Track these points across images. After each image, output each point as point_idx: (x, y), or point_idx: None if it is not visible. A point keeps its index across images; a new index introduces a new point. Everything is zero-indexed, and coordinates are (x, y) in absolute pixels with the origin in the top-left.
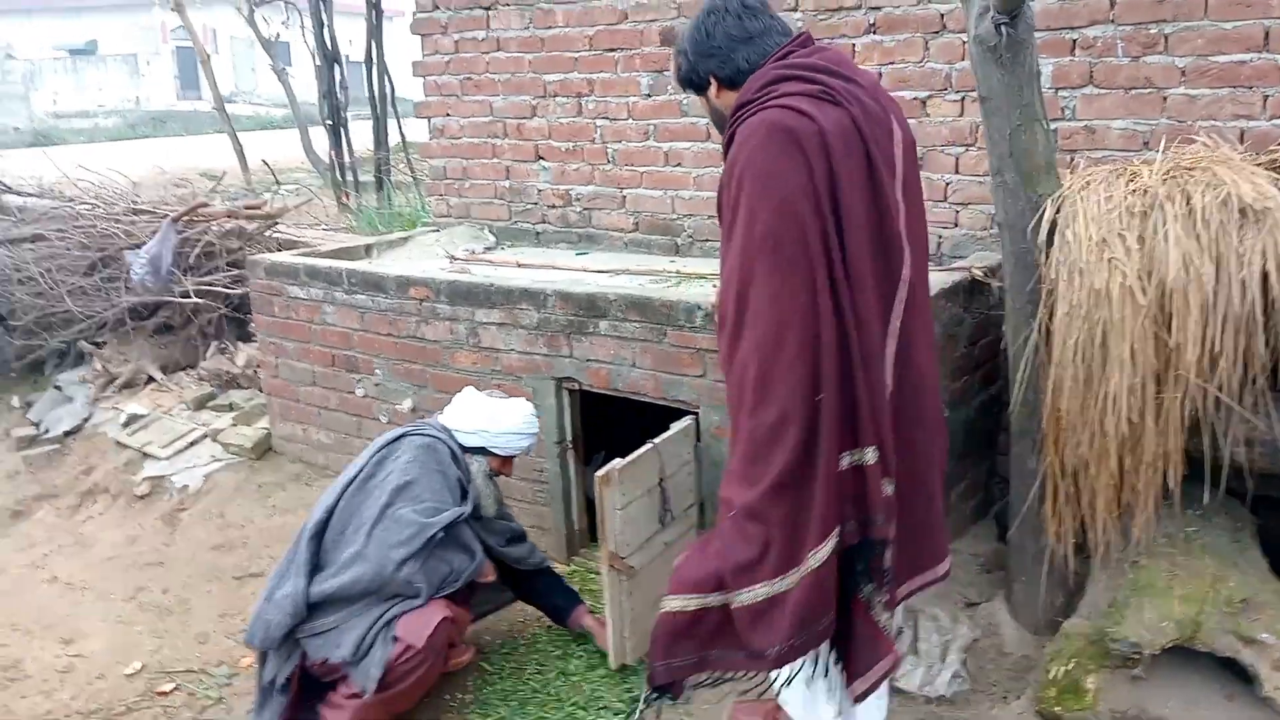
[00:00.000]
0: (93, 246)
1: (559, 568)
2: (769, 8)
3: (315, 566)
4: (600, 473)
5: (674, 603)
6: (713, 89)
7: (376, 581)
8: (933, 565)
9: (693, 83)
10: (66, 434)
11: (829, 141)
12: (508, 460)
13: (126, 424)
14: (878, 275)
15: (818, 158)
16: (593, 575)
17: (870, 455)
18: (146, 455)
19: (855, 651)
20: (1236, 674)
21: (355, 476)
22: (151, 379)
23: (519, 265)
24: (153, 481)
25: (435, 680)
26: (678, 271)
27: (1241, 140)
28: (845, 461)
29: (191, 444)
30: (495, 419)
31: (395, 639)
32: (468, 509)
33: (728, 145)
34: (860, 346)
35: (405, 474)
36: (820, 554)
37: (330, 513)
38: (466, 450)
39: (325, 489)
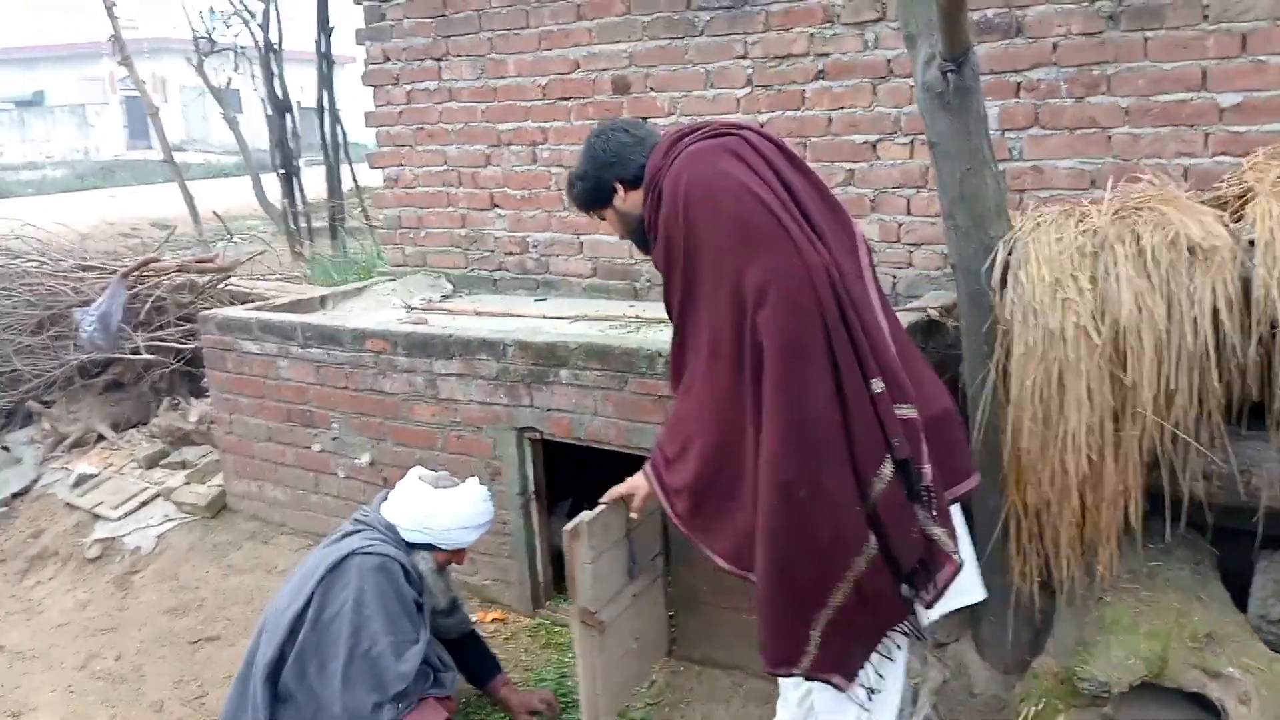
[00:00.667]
0: (40, 304)
1: (523, 621)
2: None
3: (273, 710)
4: (568, 527)
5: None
6: (620, 194)
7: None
8: (965, 479)
9: (598, 199)
10: (14, 496)
11: (745, 143)
12: (458, 551)
13: (76, 484)
14: (835, 231)
15: (744, 151)
16: (558, 629)
17: (877, 385)
18: (97, 516)
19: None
20: (1204, 708)
21: (304, 609)
22: (102, 437)
23: (477, 313)
24: (104, 544)
25: None
26: (637, 316)
27: (1185, 177)
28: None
29: (144, 504)
30: (437, 515)
31: None
32: (428, 633)
33: (655, 208)
34: (848, 290)
35: (361, 609)
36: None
37: (282, 651)
38: (411, 546)
39: (264, 613)
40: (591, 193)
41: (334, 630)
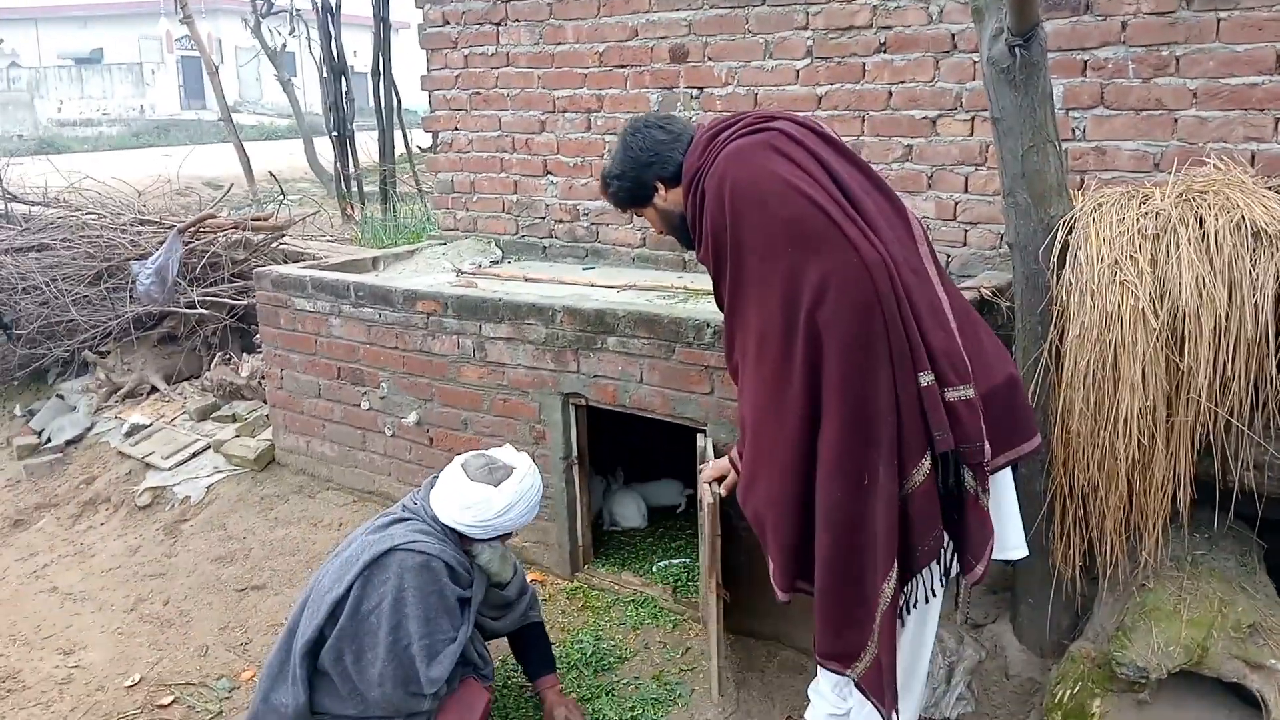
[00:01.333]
0: (98, 256)
1: (561, 584)
2: (674, 115)
3: (312, 685)
4: (708, 498)
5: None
6: (660, 192)
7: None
8: (1025, 441)
9: (638, 197)
10: (68, 443)
11: (785, 136)
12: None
13: (129, 434)
14: (887, 216)
15: (785, 146)
16: (596, 592)
17: (925, 378)
18: (148, 465)
19: (970, 539)
20: (1243, 699)
21: (344, 596)
22: (155, 389)
23: (526, 279)
24: (154, 492)
25: None
26: (685, 287)
27: (1253, 163)
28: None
29: (194, 455)
30: (509, 512)
31: None
32: (469, 628)
33: (699, 209)
34: (903, 280)
35: (400, 608)
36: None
37: (321, 631)
38: (479, 540)
39: (305, 589)
40: (631, 191)
41: (370, 624)
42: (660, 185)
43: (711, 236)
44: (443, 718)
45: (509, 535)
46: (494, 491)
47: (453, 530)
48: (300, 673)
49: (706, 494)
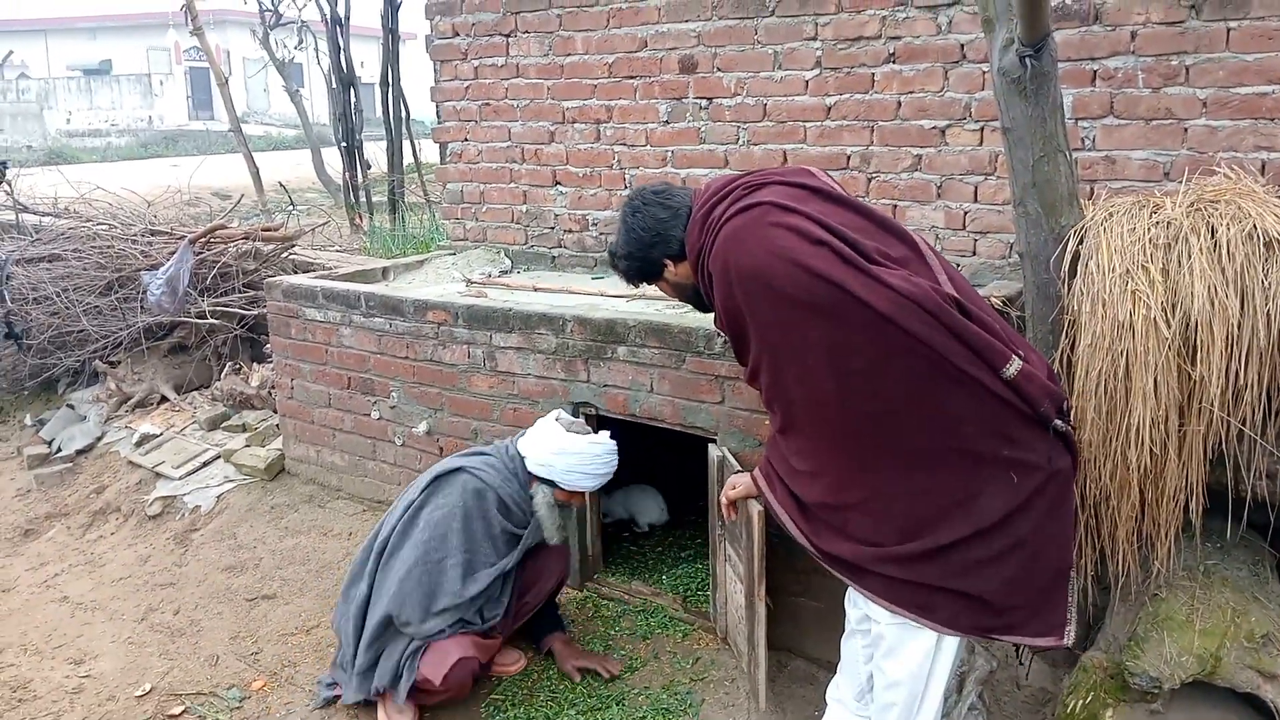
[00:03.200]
0: (109, 267)
1: (572, 593)
2: (669, 185)
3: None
4: (756, 509)
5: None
6: (670, 268)
7: (407, 625)
8: None
9: (648, 274)
10: (79, 452)
11: (776, 208)
12: (577, 493)
13: (139, 443)
14: (897, 250)
15: (779, 217)
16: (606, 602)
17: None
18: (159, 475)
19: None
20: (1256, 708)
21: (411, 503)
22: (165, 399)
23: (535, 289)
24: (164, 501)
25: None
26: None
27: (1263, 172)
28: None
29: (204, 464)
30: (563, 454)
31: (419, 669)
32: (508, 563)
33: (709, 288)
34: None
35: (449, 521)
36: None
37: (392, 532)
38: (535, 478)
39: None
40: (640, 270)
41: (417, 528)
42: (668, 262)
43: (725, 314)
44: (424, 659)
45: (567, 493)
46: (564, 432)
47: (530, 475)
48: (371, 565)
49: (754, 506)
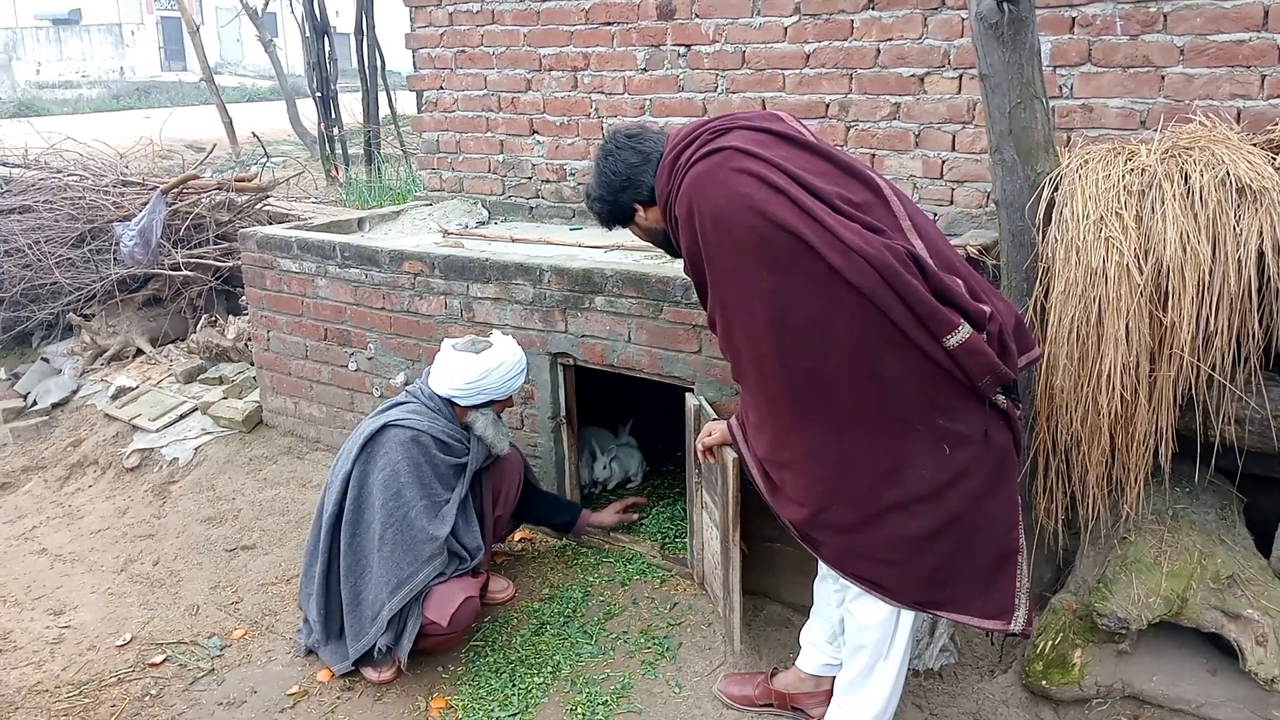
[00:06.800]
0: (81, 218)
1: (550, 542)
2: (644, 128)
3: (332, 553)
4: (730, 456)
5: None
6: (640, 213)
7: (402, 587)
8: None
9: (619, 218)
10: (55, 406)
11: (740, 153)
12: (508, 399)
13: (115, 396)
14: (862, 197)
15: (744, 164)
16: (584, 550)
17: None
18: (136, 427)
19: None
20: (1221, 648)
21: (350, 472)
22: (140, 352)
23: (513, 240)
24: (142, 454)
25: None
26: None
27: (1238, 120)
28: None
29: (181, 416)
30: (489, 376)
31: (424, 614)
32: (461, 490)
33: (675, 230)
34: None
35: (397, 477)
36: None
37: (340, 506)
38: (467, 408)
39: (329, 470)
40: (612, 213)
41: (372, 497)
42: (639, 206)
43: (689, 259)
44: (427, 603)
45: (502, 403)
46: (476, 358)
47: (448, 403)
48: (324, 544)
49: (728, 453)
